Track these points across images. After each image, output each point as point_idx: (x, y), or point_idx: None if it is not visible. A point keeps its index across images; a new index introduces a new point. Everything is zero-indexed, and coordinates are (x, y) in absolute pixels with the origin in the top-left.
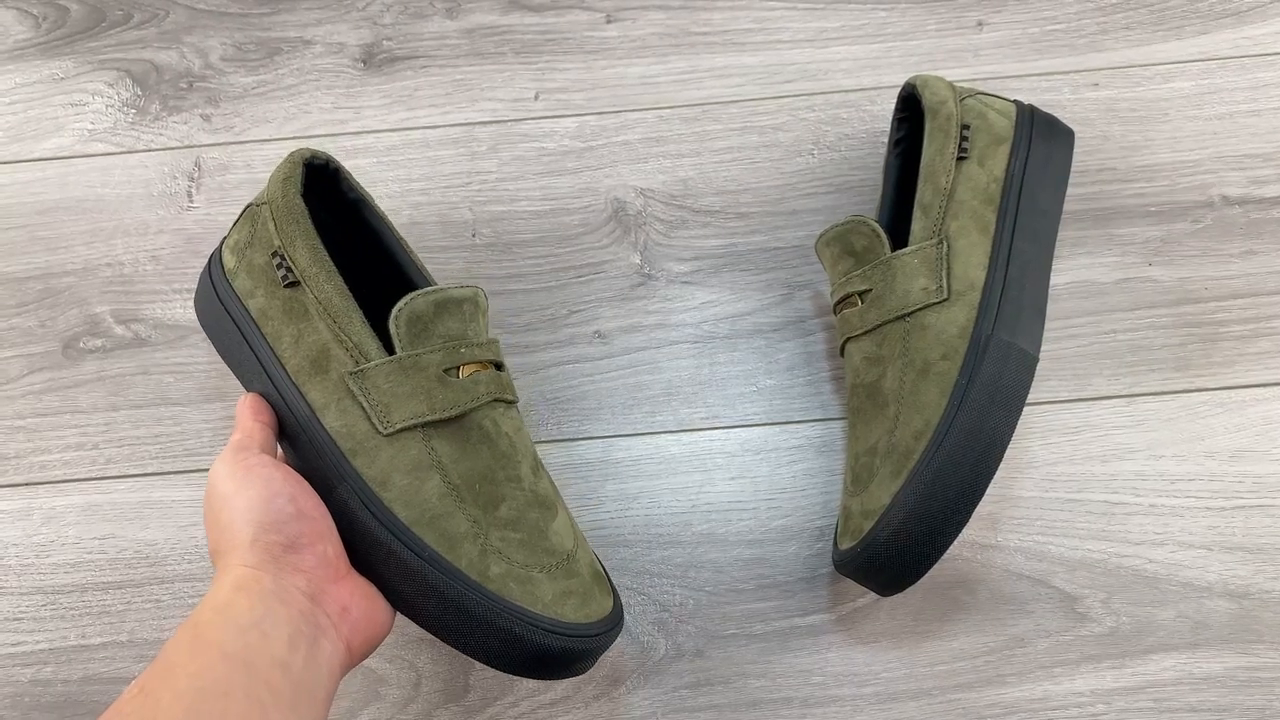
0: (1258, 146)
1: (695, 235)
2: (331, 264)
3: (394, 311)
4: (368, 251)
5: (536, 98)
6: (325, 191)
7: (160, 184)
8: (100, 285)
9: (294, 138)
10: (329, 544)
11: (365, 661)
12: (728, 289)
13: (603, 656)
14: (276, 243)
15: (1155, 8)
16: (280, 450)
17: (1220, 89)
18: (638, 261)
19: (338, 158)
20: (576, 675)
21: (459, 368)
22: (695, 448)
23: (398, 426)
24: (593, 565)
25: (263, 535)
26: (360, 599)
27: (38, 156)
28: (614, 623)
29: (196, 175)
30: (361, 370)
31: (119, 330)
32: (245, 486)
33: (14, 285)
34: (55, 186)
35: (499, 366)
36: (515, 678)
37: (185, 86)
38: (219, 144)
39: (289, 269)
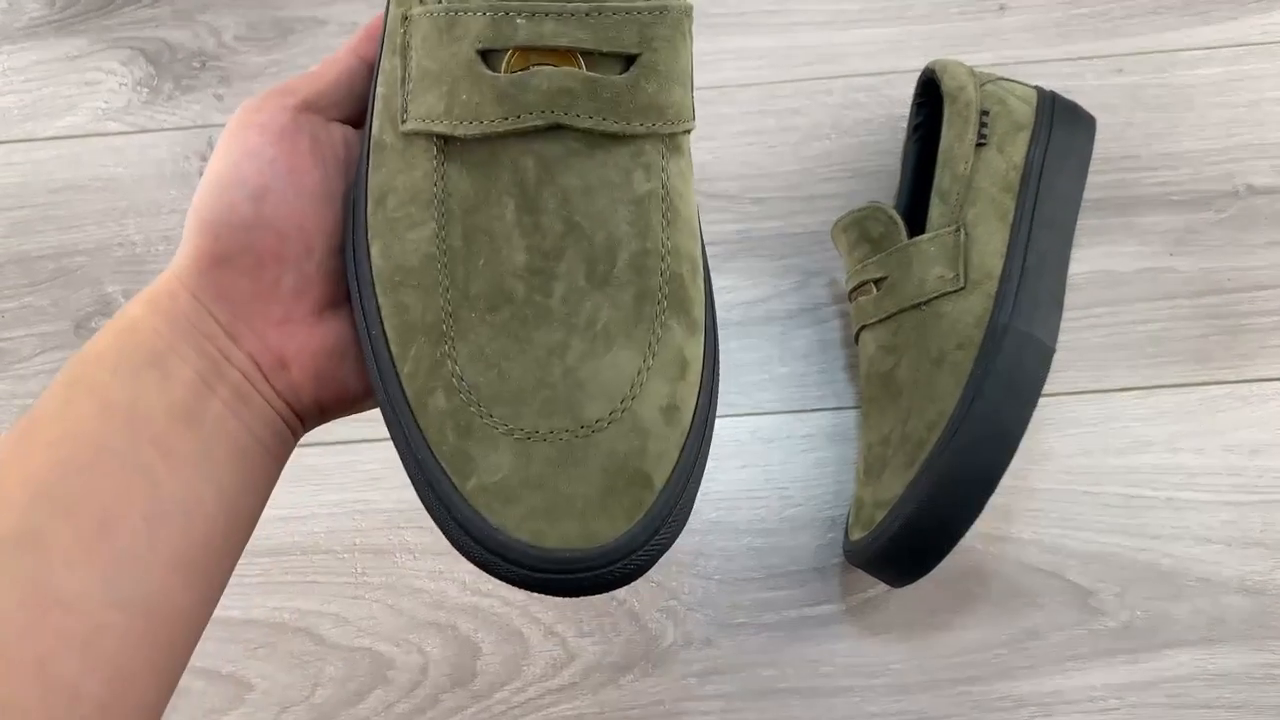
0: None
1: (710, 220)
2: None
3: None
4: None
5: None
6: None
7: (173, 164)
8: (112, 265)
9: None
10: (286, 272)
11: (371, 644)
12: (743, 275)
13: (611, 641)
14: None
15: None
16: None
17: (1249, 75)
18: None
19: None
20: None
21: (508, 52)
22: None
23: (410, 126)
24: (633, 464)
25: (197, 233)
26: (315, 355)
27: (51, 135)
28: (593, 559)
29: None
30: (407, 13)
31: None
32: (222, 151)
33: (27, 264)
34: (68, 165)
35: (596, 58)
36: (523, 663)
37: (199, 66)
38: None
39: None
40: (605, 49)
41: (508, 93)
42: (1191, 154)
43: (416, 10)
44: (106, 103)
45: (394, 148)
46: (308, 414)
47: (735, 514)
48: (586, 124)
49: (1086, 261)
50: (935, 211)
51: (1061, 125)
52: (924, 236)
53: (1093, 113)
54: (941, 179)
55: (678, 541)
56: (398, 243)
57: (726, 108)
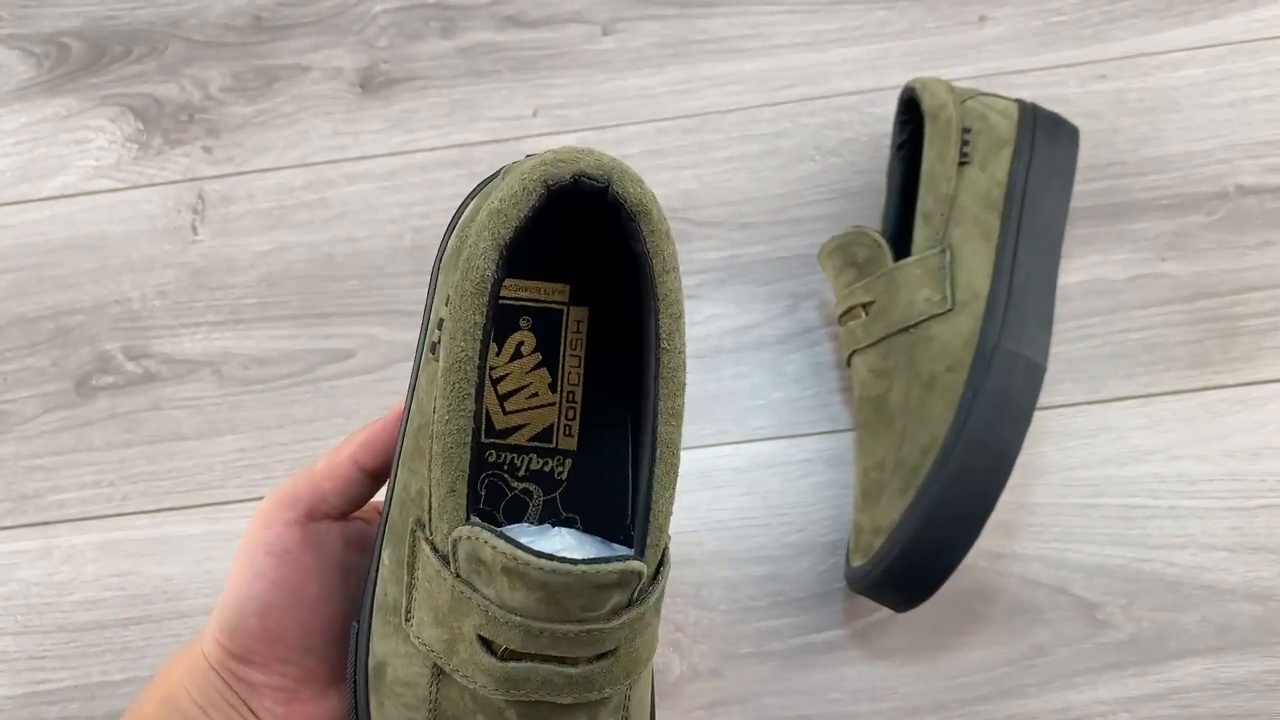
0: (1273, 133)
1: (698, 248)
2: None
3: (455, 535)
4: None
5: (535, 114)
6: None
7: (165, 218)
8: (110, 322)
9: (295, 165)
10: (291, 667)
11: None
12: (732, 302)
13: None
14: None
15: None
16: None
17: (1233, 75)
18: None
19: (339, 183)
20: None
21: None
22: (704, 464)
23: (414, 636)
24: None
25: (218, 631)
26: None
27: (44, 195)
28: None
29: (200, 208)
30: (418, 532)
31: (130, 367)
32: (238, 567)
33: (26, 325)
34: (62, 225)
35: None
36: None
37: (186, 119)
38: (221, 175)
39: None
40: (584, 656)
41: (506, 678)
42: (1179, 157)
43: (424, 553)
44: (97, 160)
45: (399, 630)
46: None
47: (736, 543)
48: (569, 699)
49: (1078, 271)
50: (920, 233)
51: (1044, 139)
52: (909, 259)
53: (1078, 120)
54: (925, 200)
55: (680, 573)
56: (390, 702)
57: (710, 135)
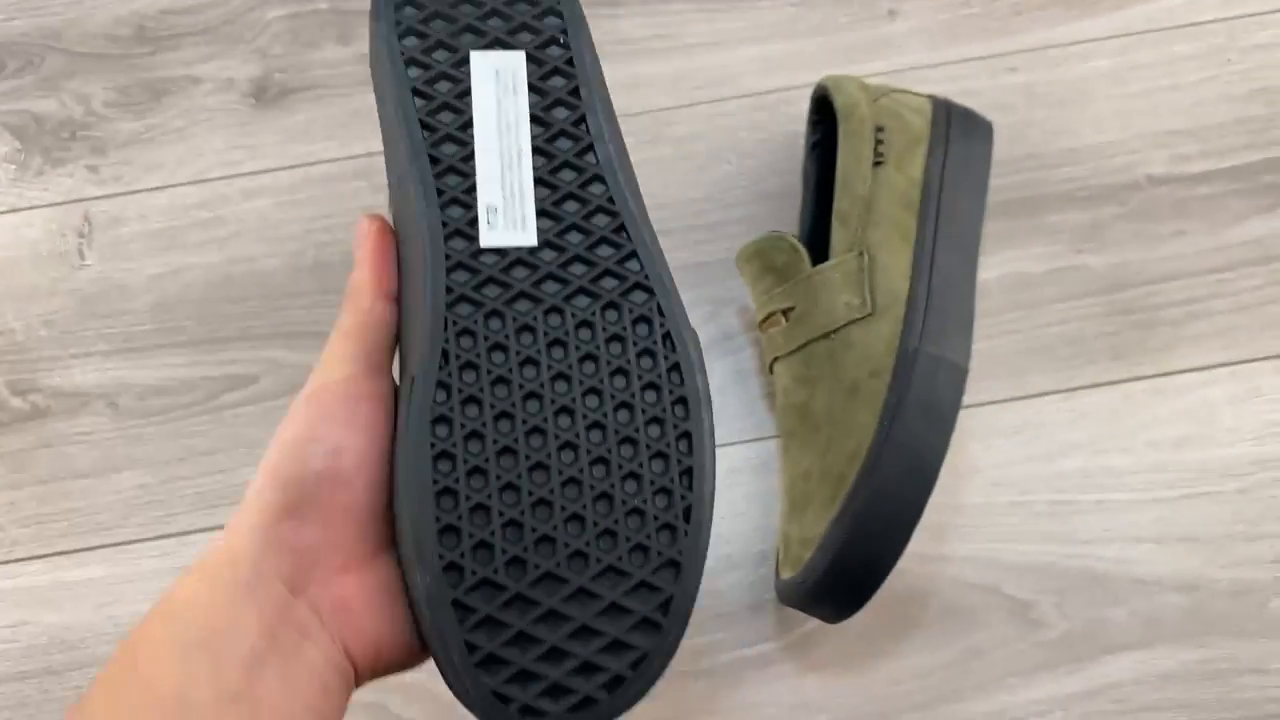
0: (1179, 122)
1: None
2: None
3: None
4: None
5: None
6: None
7: (48, 243)
8: None
9: (188, 183)
10: (352, 521)
11: None
12: None
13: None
14: None
15: None
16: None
17: (1138, 65)
18: None
19: (235, 200)
20: None
21: None
22: None
23: None
24: None
25: (269, 488)
26: (371, 599)
27: None
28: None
29: (87, 231)
30: None
31: (15, 402)
32: (294, 420)
33: None
34: None
35: None
36: None
37: (68, 136)
38: (109, 195)
39: None
40: None
41: None
42: (1091, 149)
43: None
44: None
45: None
46: (363, 659)
47: None
48: None
49: (995, 267)
50: (837, 236)
51: (958, 135)
52: (827, 264)
53: (990, 114)
54: (841, 201)
55: None
56: None
57: None
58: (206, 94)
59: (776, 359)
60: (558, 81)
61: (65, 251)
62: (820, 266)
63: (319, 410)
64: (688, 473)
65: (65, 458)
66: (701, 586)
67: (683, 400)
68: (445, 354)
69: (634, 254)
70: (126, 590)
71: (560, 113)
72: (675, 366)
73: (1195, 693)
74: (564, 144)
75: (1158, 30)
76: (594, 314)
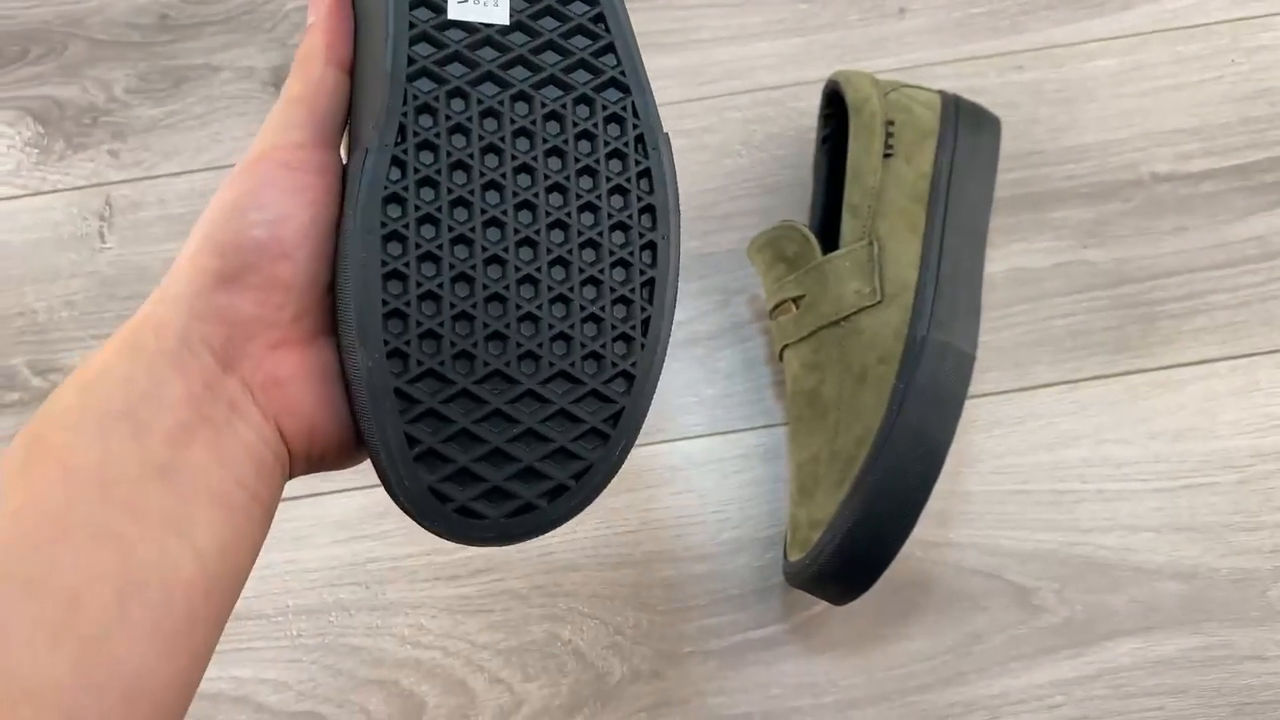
0: (1182, 121)
1: None
2: None
3: None
4: None
5: None
6: None
7: (70, 226)
8: (13, 336)
9: (207, 168)
10: (291, 296)
11: (313, 708)
12: None
13: (559, 683)
14: None
15: None
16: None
17: (1143, 64)
18: None
19: None
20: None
21: None
22: (639, 464)
23: None
24: None
25: (204, 253)
26: (307, 379)
27: None
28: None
29: (108, 214)
30: None
31: (36, 382)
32: (235, 181)
33: None
34: None
35: None
36: (470, 713)
37: (90, 122)
38: (129, 180)
39: None
40: None
41: None
42: (1096, 146)
43: None
44: None
45: None
46: (297, 443)
47: (674, 542)
48: None
49: (1001, 260)
50: (847, 226)
51: (966, 129)
52: (838, 253)
53: (997, 110)
54: (851, 193)
55: (618, 574)
56: None
57: None
58: (226, 82)
59: (786, 346)
60: None
61: (86, 234)
62: (831, 255)
63: (262, 175)
64: (649, 284)
65: None
66: (709, 567)
67: (650, 209)
68: (402, 129)
69: (611, 47)
70: None
71: None
72: (645, 173)
73: (1194, 678)
74: None
75: (1163, 31)
76: (564, 106)
